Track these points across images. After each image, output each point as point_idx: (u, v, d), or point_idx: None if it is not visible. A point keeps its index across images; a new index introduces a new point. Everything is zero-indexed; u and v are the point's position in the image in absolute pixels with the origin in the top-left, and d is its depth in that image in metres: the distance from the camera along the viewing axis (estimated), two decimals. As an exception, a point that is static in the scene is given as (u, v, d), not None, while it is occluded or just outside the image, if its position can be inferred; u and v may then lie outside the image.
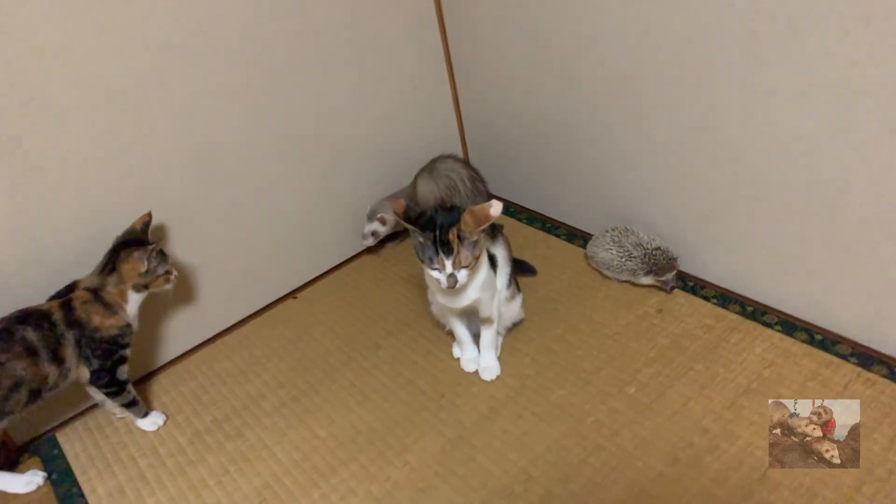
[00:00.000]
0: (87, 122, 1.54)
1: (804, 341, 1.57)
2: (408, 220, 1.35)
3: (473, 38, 2.03)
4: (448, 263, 1.34)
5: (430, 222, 1.34)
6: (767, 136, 1.46)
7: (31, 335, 1.43)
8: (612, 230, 1.81)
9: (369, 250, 2.18)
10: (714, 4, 1.41)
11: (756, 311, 1.68)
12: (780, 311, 1.66)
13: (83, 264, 1.57)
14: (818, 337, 1.57)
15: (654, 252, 1.73)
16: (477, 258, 1.40)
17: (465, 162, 2.14)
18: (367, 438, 1.54)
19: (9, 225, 1.51)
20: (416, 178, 2.11)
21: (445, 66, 2.18)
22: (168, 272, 1.59)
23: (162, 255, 1.58)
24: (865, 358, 1.50)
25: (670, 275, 1.73)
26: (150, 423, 1.66)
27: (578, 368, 1.62)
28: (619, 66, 1.67)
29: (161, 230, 1.72)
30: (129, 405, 1.63)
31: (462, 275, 1.37)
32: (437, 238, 1.33)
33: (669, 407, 1.48)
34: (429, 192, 2.07)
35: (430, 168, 2.10)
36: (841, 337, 1.56)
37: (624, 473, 1.36)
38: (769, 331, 1.62)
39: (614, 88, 1.72)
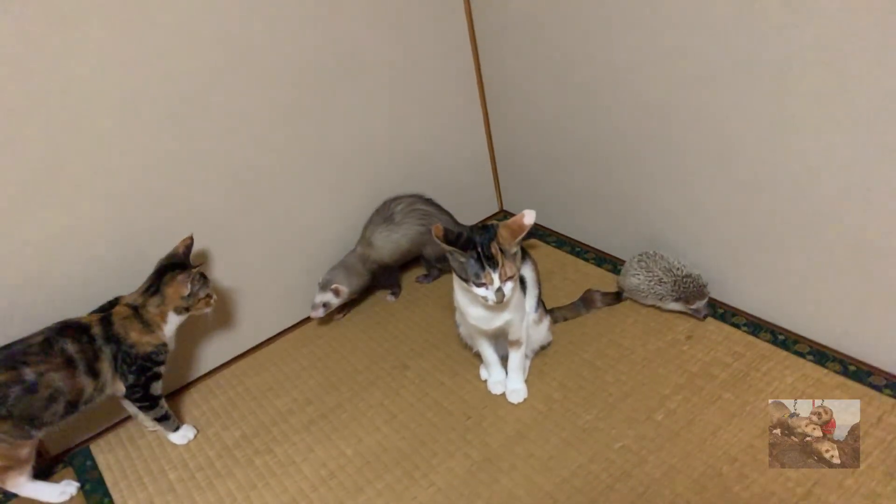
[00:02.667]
0: (131, 145, 1.59)
1: (837, 372, 1.55)
2: (448, 242, 1.36)
3: (505, 64, 2.06)
4: (495, 276, 1.36)
5: (469, 241, 1.36)
6: (798, 165, 1.46)
7: (70, 347, 1.47)
8: (642, 255, 1.81)
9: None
10: (745, 34, 1.42)
11: (788, 340, 1.66)
12: (812, 341, 1.64)
13: (124, 280, 1.62)
14: (851, 367, 1.55)
15: (683, 279, 1.72)
16: (518, 269, 1.41)
17: (413, 195, 2.05)
18: (394, 458, 1.55)
19: (54, 239, 1.56)
20: (367, 235, 2.00)
21: (478, 91, 2.21)
22: (209, 296, 1.63)
23: (203, 279, 1.62)
24: (900, 390, 1.48)
25: (701, 303, 1.72)
26: (181, 436, 1.69)
27: (606, 393, 1.61)
28: (649, 94, 1.68)
29: (200, 250, 1.76)
30: (162, 419, 1.66)
31: (508, 287, 1.38)
32: (481, 254, 1.35)
33: (698, 435, 1.47)
34: (393, 242, 1.99)
35: (383, 218, 1.99)
36: (874, 368, 1.54)
37: (651, 501, 1.35)
38: (801, 360, 1.60)
39: (644, 115, 1.73)
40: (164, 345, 1.60)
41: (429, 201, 2.05)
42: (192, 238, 1.63)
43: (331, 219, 2.01)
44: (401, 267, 2.14)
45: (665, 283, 1.73)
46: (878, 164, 1.33)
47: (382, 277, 2.07)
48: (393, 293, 2.11)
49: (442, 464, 1.51)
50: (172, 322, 1.60)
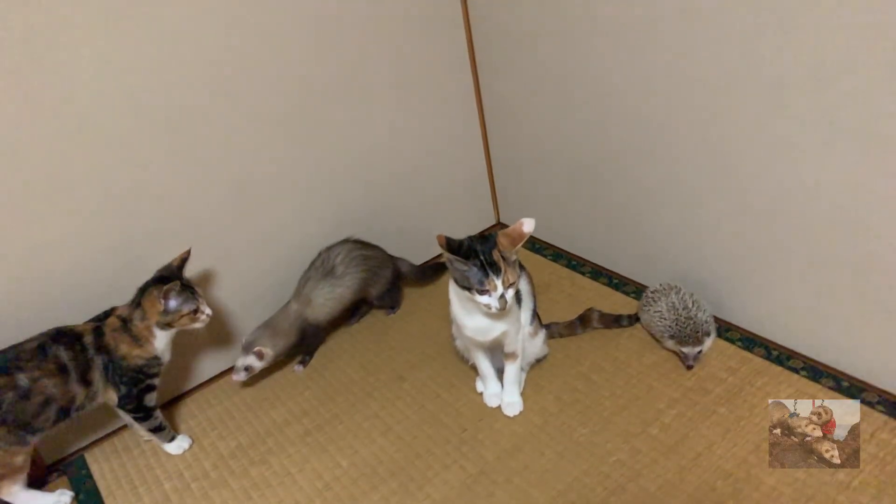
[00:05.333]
0: (129, 153, 1.60)
1: (830, 388, 1.56)
2: (450, 250, 1.37)
3: (504, 79, 2.07)
4: (498, 283, 1.36)
5: (471, 250, 1.37)
6: (793, 183, 1.47)
7: (63, 354, 1.48)
8: (661, 286, 1.74)
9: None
10: (741, 53, 1.43)
11: (782, 356, 1.67)
12: (806, 357, 1.65)
13: (119, 289, 1.61)
14: (845, 384, 1.56)
15: (686, 320, 1.63)
16: (518, 277, 1.42)
17: (344, 241, 1.96)
18: (389, 470, 1.55)
19: (51, 245, 1.56)
20: (307, 292, 1.88)
21: (476, 106, 2.22)
22: (196, 311, 1.57)
23: (189, 294, 1.56)
24: (892, 406, 1.48)
25: (693, 349, 1.63)
26: (177, 446, 1.69)
27: (601, 407, 1.62)
28: (645, 110, 1.70)
29: (197, 264, 1.75)
30: (156, 430, 1.66)
31: (510, 294, 1.38)
32: (484, 261, 1.36)
33: (693, 449, 1.47)
34: (337, 297, 1.90)
35: (323, 273, 1.88)
36: (867, 384, 1.55)
37: (646, 515, 1.36)
38: (795, 376, 1.61)
39: (641, 131, 1.75)
40: (156, 358, 1.58)
41: (358, 242, 1.97)
42: (188, 252, 1.62)
43: (326, 231, 2.01)
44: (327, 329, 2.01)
45: (665, 319, 1.66)
46: (872, 186, 1.35)
47: (310, 338, 1.93)
48: (302, 361, 1.93)
49: (437, 476, 1.52)
50: (160, 336, 1.57)
